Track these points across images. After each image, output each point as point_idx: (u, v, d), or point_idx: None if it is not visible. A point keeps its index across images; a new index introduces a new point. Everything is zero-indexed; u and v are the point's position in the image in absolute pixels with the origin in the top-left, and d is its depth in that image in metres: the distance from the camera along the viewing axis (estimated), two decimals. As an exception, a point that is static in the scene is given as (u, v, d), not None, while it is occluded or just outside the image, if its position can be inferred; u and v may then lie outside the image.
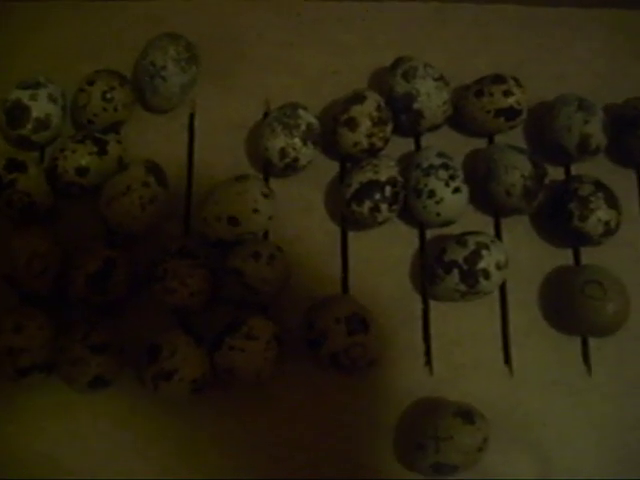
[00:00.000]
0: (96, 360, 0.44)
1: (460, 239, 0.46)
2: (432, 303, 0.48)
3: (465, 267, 0.45)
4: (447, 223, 0.47)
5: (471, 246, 0.45)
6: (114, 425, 0.46)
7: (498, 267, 0.45)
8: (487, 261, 0.45)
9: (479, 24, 0.53)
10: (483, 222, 0.49)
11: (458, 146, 0.50)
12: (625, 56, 0.53)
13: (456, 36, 0.53)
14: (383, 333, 0.47)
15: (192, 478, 0.45)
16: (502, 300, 0.48)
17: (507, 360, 0.47)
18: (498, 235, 0.49)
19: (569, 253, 0.49)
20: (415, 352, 0.48)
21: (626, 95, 0.51)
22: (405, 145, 0.51)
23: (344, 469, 0.46)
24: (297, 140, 0.46)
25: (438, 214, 0.46)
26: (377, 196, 0.46)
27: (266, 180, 0.49)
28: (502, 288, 0.48)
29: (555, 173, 0.50)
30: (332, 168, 0.50)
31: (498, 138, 0.50)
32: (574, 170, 0.50)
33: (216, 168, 0.50)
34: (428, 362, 0.47)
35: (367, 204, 0.46)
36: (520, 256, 0.49)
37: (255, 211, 0.45)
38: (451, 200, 0.46)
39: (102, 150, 0.47)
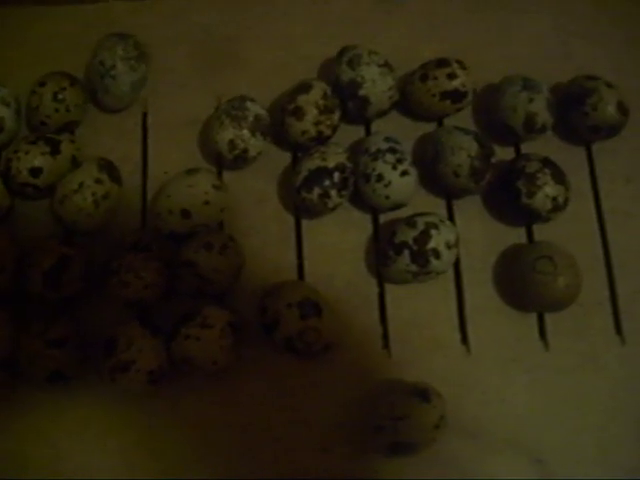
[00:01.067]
0: (54, 355, 0.44)
1: (409, 220, 0.46)
2: (388, 286, 0.49)
3: (415, 247, 0.45)
4: (397, 206, 0.47)
5: (420, 226, 0.46)
6: (76, 420, 0.47)
7: (448, 246, 0.46)
8: (437, 241, 0.45)
9: (425, 12, 0.54)
10: (435, 204, 0.50)
11: (408, 131, 0.51)
12: (572, 37, 0.54)
13: (403, 25, 0.54)
14: (340, 318, 0.47)
15: (153, 469, 0.45)
16: (457, 280, 0.48)
17: (464, 339, 0.48)
18: (451, 216, 0.49)
19: (522, 232, 0.50)
20: (373, 335, 0.48)
21: (574, 75, 0.51)
22: (356, 133, 0.51)
23: (306, 453, 0.46)
24: (245, 131, 0.47)
25: (387, 197, 0.47)
26: (326, 182, 0.46)
27: (219, 173, 0.50)
28: (456, 268, 0.48)
29: (506, 154, 0.50)
30: (284, 159, 0.51)
31: (447, 121, 0.50)
32: (524, 150, 0.50)
33: (170, 164, 0.50)
34: (386, 345, 0.48)
35: (316, 191, 0.46)
36: (473, 236, 0.49)
37: (206, 203, 0.46)
38: (399, 183, 0.46)
39: (55, 150, 0.48)
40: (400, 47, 0.52)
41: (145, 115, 0.52)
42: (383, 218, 0.50)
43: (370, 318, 0.49)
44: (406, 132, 0.51)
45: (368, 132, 0.51)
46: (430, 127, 0.51)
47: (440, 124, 0.51)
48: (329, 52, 0.52)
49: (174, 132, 0.52)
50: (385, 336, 0.48)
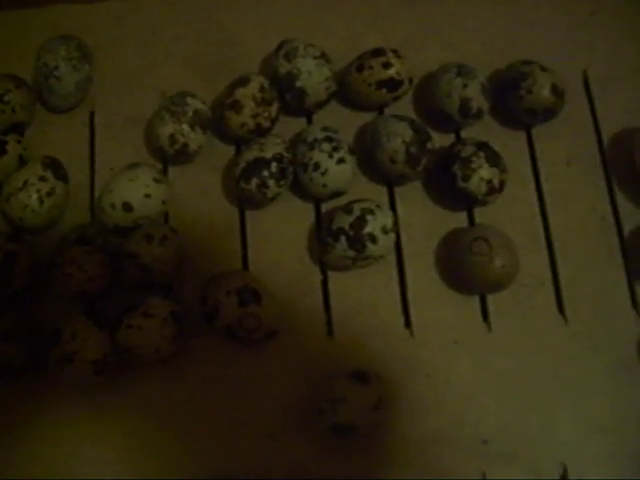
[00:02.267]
0: (1, 347, 0.45)
1: (346, 207, 0.47)
2: (331, 274, 0.49)
3: (351, 233, 0.46)
4: (336, 194, 0.48)
5: (356, 212, 0.46)
6: (25, 412, 0.48)
7: (384, 231, 0.46)
8: (372, 225, 0.46)
9: (366, 4, 0.55)
10: (376, 192, 0.50)
11: (349, 121, 0.52)
12: (510, 24, 0.54)
13: (344, 18, 0.54)
14: (285, 305, 0.48)
15: (103, 459, 0.46)
16: (399, 265, 0.49)
17: (407, 323, 0.48)
18: (392, 203, 0.50)
19: (463, 216, 0.50)
20: (317, 322, 0.49)
21: (511, 61, 0.52)
22: (297, 125, 0.52)
23: (253, 441, 0.47)
24: (185, 126, 0.48)
25: (324, 185, 0.48)
26: (264, 172, 0.47)
27: (164, 168, 0.51)
28: (399, 254, 0.49)
29: (446, 141, 0.51)
30: (228, 152, 0.52)
31: (387, 111, 0.51)
32: (465, 136, 0.51)
33: (116, 161, 0.51)
34: (330, 331, 0.48)
35: (254, 181, 0.47)
36: (415, 222, 0.50)
37: (147, 196, 0.47)
38: (336, 171, 0.47)
39: (1, 150, 0.49)
40: (341, 40, 0.53)
41: (92, 114, 0.53)
42: (325, 207, 0.50)
43: (314, 305, 0.49)
44: (347, 122, 0.52)
45: (310, 124, 0.51)
46: (370, 117, 0.52)
47: (380, 114, 0.51)
48: (271, 47, 0.53)
49: (120, 130, 0.53)
50: (329, 323, 0.49)
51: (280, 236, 0.50)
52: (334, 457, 0.46)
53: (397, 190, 0.51)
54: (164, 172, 0.51)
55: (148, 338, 0.45)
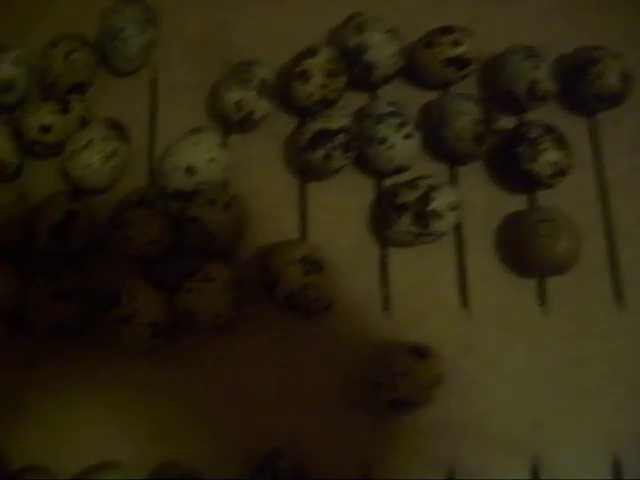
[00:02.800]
0: (59, 307, 0.45)
1: (411, 182, 0.47)
2: (391, 250, 0.49)
3: (416, 208, 0.46)
4: (400, 169, 0.48)
5: (422, 188, 0.46)
6: (78, 372, 0.47)
7: (450, 208, 0.46)
8: (438, 202, 0.46)
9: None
10: (439, 170, 0.50)
11: (414, 98, 0.51)
12: (576, 8, 0.54)
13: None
14: (342, 279, 0.47)
15: (153, 425, 0.46)
16: (458, 245, 0.49)
17: (465, 303, 0.48)
18: (453, 182, 0.49)
19: (524, 199, 0.50)
20: (373, 297, 0.49)
21: (577, 46, 0.51)
22: (362, 99, 0.51)
23: (304, 414, 0.46)
24: (252, 93, 0.48)
25: (390, 160, 0.47)
26: (330, 144, 0.47)
27: (227, 136, 0.50)
28: (459, 233, 0.49)
29: (509, 123, 0.50)
30: (291, 123, 0.51)
31: (452, 89, 0.51)
32: (527, 119, 0.51)
33: (178, 126, 0.51)
34: (386, 307, 0.48)
35: (320, 152, 0.47)
36: (476, 202, 0.50)
37: (211, 160, 0.47)
38: (402, 146, 0.47)
39: (64, 108, 0.49)
40: (407, 18, 0.53)
41: (154, 79, 0.52)
42: (387, 183, 0.50)
43: (371, 280, 0.49)
44: (412, 99, 0.51)
45: (374, 99, 0.51)
46: (434, 95, 0.51)
47: (445, 92, 0.51)
48: (337, 21, 0.52)
49: (182, 95, 0.52)
50: (386, 298, 0.48)
51: (340, 210, 0.50)
52: (386, 432, 0.46)
53: (458, 169, 0.50)
54: (225, 140, 0.50)
55: (208, 303, 0.45)
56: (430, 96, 0.52)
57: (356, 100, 0.51)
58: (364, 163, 0.49)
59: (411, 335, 0.47)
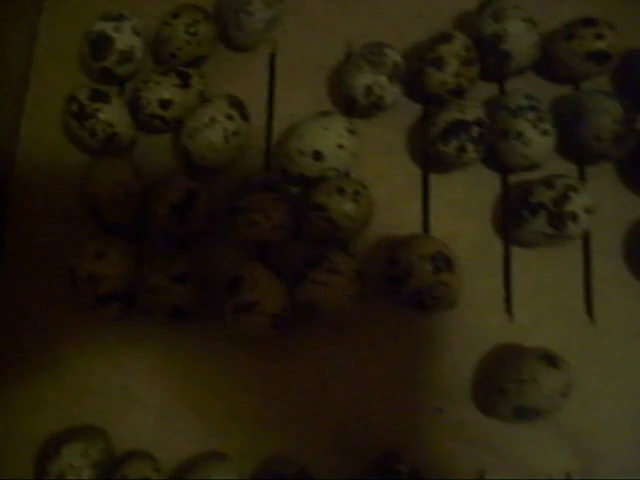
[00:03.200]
0: (176, 290, 0.43)
1: (547, 181, 0.45)
2: (514, 249, 0.47)
3: (553, 209, 0.44)
4: (533, 166, 0.46)
5: (559, 188, 0.44)
6: (188, 359, 0.46)
7: (586, 210, 0.44)
8: (576, 204, 0.44)
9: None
10: (566, 169, 0.48)
11: (542, 91, 0.49)
12: None
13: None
14: (464, 277, 0.45)
15: (263, 415, 0.45)
16: (585, 249, 0.47)
17: (589, 310, 0.46)
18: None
19: (655, 204, 0.48)
20: (495, 298, 0.47)
21: None
22: (487, 90, 0.49)
23: (421, 412, 0.45)
24: (384, 78, 0.46)
25: (525, 156, 0.45)
26: (464, 135, 0.45)
27: (348, 119, 0.48)
28: (585, 237, 0.47)
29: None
30: (415, 110, 0.49)
31: (584, 85, 0.49)
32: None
33: (297, 106, 0.49)
34: (508, 309, 0.46)
35: (454, 143, 0.45)
36: (604, 205, 0.47)
37: (340, 146, 0.45)
38: (539, 142, 0.45)
39: (185, 83, 0.46)
40: (538, 4, 0.50)
41: (273, 56, 0.50)
42: (512, 179, 0.48)
43: (494, 280, 0.47)
44: (539, 92, 0.49)
45: (501, 90, 0.49)
46: (564, 89, 0.49)
47: (576, 87, 0.49)
48: (465, 5, 0.50)
49: (302, 75, 0.50)
50: (508, 299, 0.46)
51: (463, 204, 0.48)
52: (504, 437, 0.45)
53: (587, 169, 0.48)
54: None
55: (333, 296, 0.43)
56: (559, 90, 0.49)
57: (483, 90, 0.49)
58: (492, 157, 0.47)
59: (533, 339, 0.46)
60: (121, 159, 0.46)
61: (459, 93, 0.47)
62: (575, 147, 0.47)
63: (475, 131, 0.45)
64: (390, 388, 0.46)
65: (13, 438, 0.46)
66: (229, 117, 0.45)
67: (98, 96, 0.46)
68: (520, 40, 0.46)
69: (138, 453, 0.45)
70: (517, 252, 0.47)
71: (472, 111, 0.45)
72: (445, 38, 0.46)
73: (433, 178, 0.48)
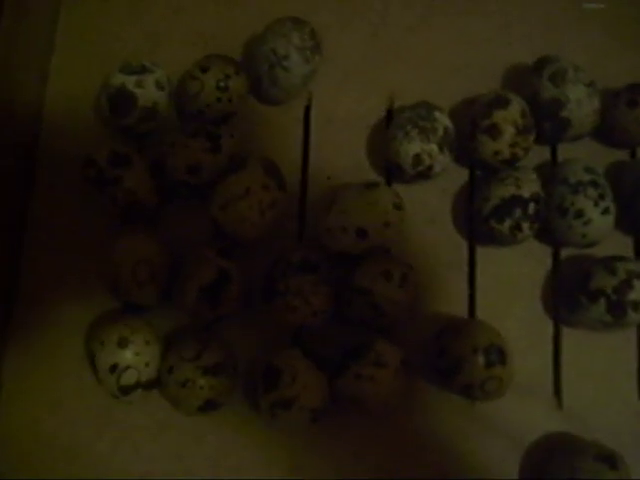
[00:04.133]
0: (209, 383, 0.40)
1: (608, 265, 0.41)
2: (564, 329, 0.44)
3: (614, 297, 0.41)
4: (590, 245, 0.43)
5: (621, 275, 0.41)
6: (217, 448, 0.43)
7: (648, 298, 0.41)
8: (638, 292, 0.41)
9: (622, 18, 0.48)
10: (622, 243, 0.45)
11: (597, 156, 0.46)
12: None
13: (600, 32, 0.47)
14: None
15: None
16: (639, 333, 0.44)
17: (643, 396, 0.43)
18: (638, 258, 0.44)
19: None
20: (544, 382, 0.44)
21: None
22: (539, 153, 0.45)
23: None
24: (434, 146, 0.42)
25: (584, 235, 0.42)
26: (519, 213, 0.41)
27: (387, 182, 0.44)
28: (639, 320, 0.44)
29: None
30: (461, 176, 0.45)
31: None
32: None
33: (333, 168, 0.45)
34: (557, 392, 0.43)
35: (508, 222, 0.41)
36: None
37: (386, 224, 0.41)
38: (600, 221, 0.42)
39: (215, 146, 0.42)
40: (596, 57, 0.46)
41: (308, 109, 0.46)
42: (563, 253, 0.44)
43: (543, 362, 0.44)
44: (595, 158, 0.45)
45: (554, 155, 0.45)
46: (620, 154, 0.46)
47: (633, 154, 0.45)
48: (516, 57, 0.47)
49: (339, 132, 0.46)
50: (556, 383, 0.43)
51: (512, 280, 0.45)
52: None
53: (643, 243, 0.44)
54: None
55: (379, 390, 0.40)
56: (615, 155, 0.46)
57: (535, 154, 0.45)
58: (546, 231, 0.43)
59: (582, 427, 0.43)
60: (144, 233, 0.41)
61: (513, 163, 0.43)
62: (634, 221, 0.43)
63: (532, 208, 0.42)
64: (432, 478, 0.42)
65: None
66: (265, 187, 0.41)
67: (119, 160, 0.41)
68: (581, 107, 0.43)
69: None
70: (568, 333, 0.44)
71: (528, 185, 0.42)
72: (501, 102, 0.43)
73: (480, 251, 0.44)
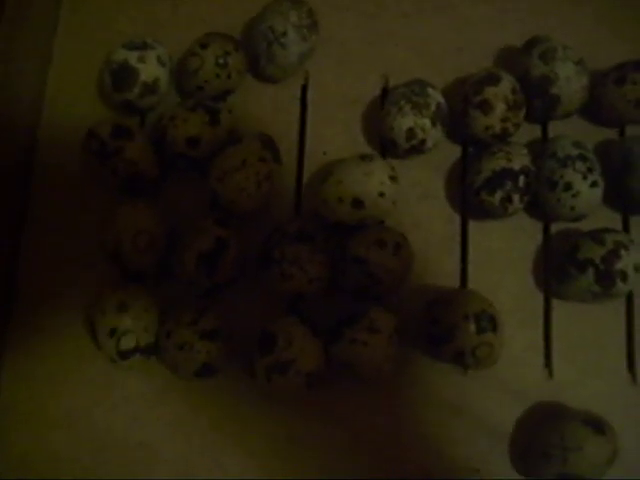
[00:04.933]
0: (205, 347, 0.41)
1: (596, 236, 0.42)
2: (555, 302, 0.45)
3: (602, 267, 0.42)
4: (579, 218, 0.44)
5: (609, 245, 0.42)
6: (214, 415, 0.43)
7: (636, 269, 0.42)
8: (625, 262, 0.42)
9: (615, 5, 0.49)
10: (610, 218, 0.46)
11: (586, 135, 0.47)
12: None
13: (591, 18, 0.49)
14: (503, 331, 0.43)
15: (293, 473, 0.43)
16: (628, 305, 0.45)
17: (631, 367, 0.44)
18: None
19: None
20: (535, 353, 0.45)
21: None
22: (530, 131, 0.46)
23: (456, 473, 0.43)
24: (427, 121, 0.43)
25: (572, 208, 0.43)
26: (510, 186, 0.42)
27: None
28: (630, 293, 0.44)
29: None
30: (453, 152, 0.47)
31: (630, 129, 0.46)
32: None
33: (329, 143, 0.46)
34: (547, 364, 0.44)
35: (499, 194, 0.43)
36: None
37: (381, 194, 0.42)
38: (588, 194, 0.43)
39: (214, 120, 0.44)
40: (586, 42, 0.47)
41: (305, 88, 0.47)
42: (554, 228, 0.46)
43: (534, 334, 0.45)
44: (584, 136, 0.46)
45: (545, 133, 0.46)
46: (609, 132, 0.47)
47: (622, 132, 0.46)
48: (508, 40, 0.48)
49: (335, 109, 0.48)
50: (548, 355, 0.44)
51: (503, 254, 0.46)
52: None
53: (632, 219, 0.45)
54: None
55: (373, 355, 0.41)
56: (604, 133, 0.47)
57: (525, 131, 0.46)
58: (535, 205, 0.44)
59: (574, 397, 0.44)
60: (144, 202, 0.42)
61: (503, 138, 0.44)
62: (623, 197, 0.45)
63: (522, 181, 0.43)
64: (425, 447, 0.43)
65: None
66: (262, 159, 0.42)
67: (121, 132, 0.42)
68: (570, 84, 0.44)
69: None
70: (558, 305, 0.45)
71: (519, 159, 0.43)
72: (492, 79, 0.44)
73: (472, 225, 0.45)
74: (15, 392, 0.44)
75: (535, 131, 0.47)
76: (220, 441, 0.43)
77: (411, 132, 0.43)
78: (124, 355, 0.41)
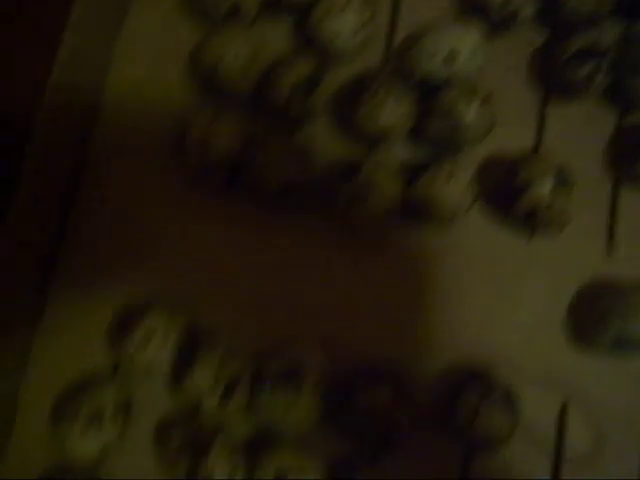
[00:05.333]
0: (292, 165, 0.43)
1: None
2: (622, 189, 0.46)
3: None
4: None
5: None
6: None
7: None
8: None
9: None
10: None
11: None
12: None
13: None
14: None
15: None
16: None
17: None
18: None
19: None
20: (598, 234, 0.46)
21: None
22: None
23: (512, 334, 0.44)
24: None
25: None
26: (595, 62, 0.44)
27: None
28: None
29: None
30: (540, 34, 0.48)
31: None
32: None
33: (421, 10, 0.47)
34: (611, 242, 0.46)
35: (584, 69, 0.44)
36: None
37: (474, 52, 0.45)
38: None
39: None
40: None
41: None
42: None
43: (599, 217, 0.46)
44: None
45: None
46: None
47: None
48: None
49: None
50: (611, 234, 0.46)
51: (577, 136, 0.47)
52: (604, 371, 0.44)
53: None
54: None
55: (451, 195, 0.42)
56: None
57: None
58: (613, 91, 0.46)
59: (633, 278, 0.44)
60: (242, 30, 0.44)
61: (594, 21, 0.45)
62: None
63: (607, 60, 0.44)
64: (491, 305, 0.45)
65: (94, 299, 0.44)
66: (365, 2, 0.44)
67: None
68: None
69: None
70: (627, 190, 0.46)
71: (606, 39, 0.44)
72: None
73: (550, 106, 0.47)
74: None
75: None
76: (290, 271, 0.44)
77: (507, 2, 0.45)
78: (209, 166, 0.42)
